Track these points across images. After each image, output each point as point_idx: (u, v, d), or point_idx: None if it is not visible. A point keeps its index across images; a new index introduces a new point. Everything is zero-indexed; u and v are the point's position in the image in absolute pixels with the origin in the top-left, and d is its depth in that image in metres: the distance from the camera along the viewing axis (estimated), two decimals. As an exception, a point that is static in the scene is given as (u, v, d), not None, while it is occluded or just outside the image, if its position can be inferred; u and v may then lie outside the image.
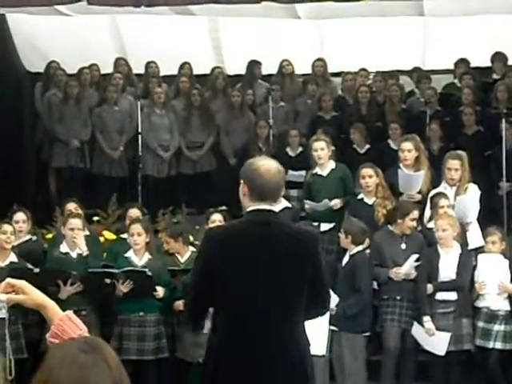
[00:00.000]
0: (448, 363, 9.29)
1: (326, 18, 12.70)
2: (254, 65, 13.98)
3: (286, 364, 5.17)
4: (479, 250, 9.61)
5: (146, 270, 9.23)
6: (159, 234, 10.50)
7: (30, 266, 9.56)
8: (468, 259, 9.43)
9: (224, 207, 10.85)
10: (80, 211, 10.17)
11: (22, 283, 3.27)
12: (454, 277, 9.31)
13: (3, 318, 3.23)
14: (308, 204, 10.39)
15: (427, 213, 9.84)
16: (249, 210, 5.29)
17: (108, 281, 9.33)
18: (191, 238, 9.99)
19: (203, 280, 5.27)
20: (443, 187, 9.98)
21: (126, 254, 9.57)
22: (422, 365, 9.53)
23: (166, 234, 10.02)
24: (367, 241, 9.53)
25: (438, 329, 9.22)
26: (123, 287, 9.18)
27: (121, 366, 2.74)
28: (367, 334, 9.45)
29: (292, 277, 5.20)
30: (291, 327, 5.19)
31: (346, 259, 9.46)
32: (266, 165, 5.30)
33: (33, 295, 3.24)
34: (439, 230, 9.28)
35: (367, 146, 12.39)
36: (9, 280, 3.28)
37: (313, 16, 12.69)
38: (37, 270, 9.43)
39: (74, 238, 9.50)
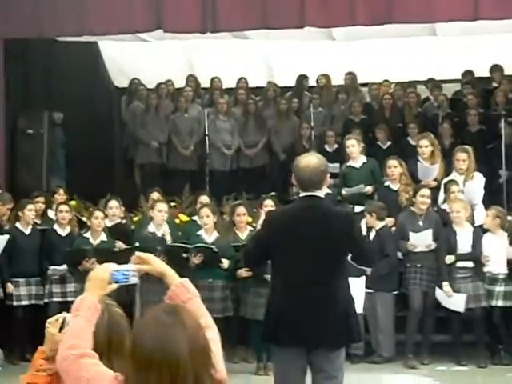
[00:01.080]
0: (465, 318, 9.36)
1: (356, 38, 12.64)
2: (302, 78, 13.99)
3: (333, 318, 5.26)
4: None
5: (213, 246, 9.31)
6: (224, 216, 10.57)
7: (118, 244, 9.73)
8: (479, 235, 9.46)
9: (274, 193, 10.93)
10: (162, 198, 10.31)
11: (149, 256, 3.28)
12: (469, 249, 9.40)
13: (135, 284, 3.30)
14: (346, 190, 10.44)
15: (441, 197, 9.89)
16: (300, 196, 5.47)
17: (184, 255, 9.46)
18: (249, 219, 10.00)
19: (262, 244, 5.56)
20: (454, 175, 10.01)
21: (198, 233, 9.64)
22: (441, 320, 9.56)
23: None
24: (389, 219, 9.67)
25: (458, 290, 9.30)
26: (195, 259, 9.27)
27: (197, 328, 2.77)
28: (396, 292, 9.55)
29: (333, 248, 5.37)
30: (335, 289, 5.33)
31: (372, 234, 9.54)
32: (305, 161, 5.50)
33: (156, 266, 3.27)
34: (454, 212, 9.37)
35: (389, 143, 12.36)
36: (138, 253, 3.33)
37: (345, 38, 12.64)
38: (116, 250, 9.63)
39: (158, 218, 9.63)
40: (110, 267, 3.18)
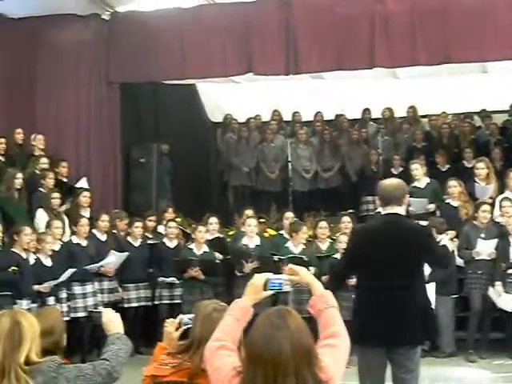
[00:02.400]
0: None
1: (417, 76, 12.47)
2: (365, 111, 13.86)
3: (413, 319, 5.18)
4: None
5: (303, 256, 9.21)
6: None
7: (217, 254, 9.72)
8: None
9: (350, 211, 10.80)
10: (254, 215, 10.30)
11: (299, 268, 3.29)
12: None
13: (288, 292, 3.30)
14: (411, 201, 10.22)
15: (496, 212, 9.61)
16: (382, 213, 5.42)
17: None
18: (329, 233, 9.89)
19: (348, 260, 5.51)
20: (507, 193, 9.75)
21: (286, 245, 9.59)
22: (496, 319, 9.32)
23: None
24: (452, 232, 9.44)
25: (508, 292, 9.04)
26: (287, 268, 9.16)
27: (301, 331, 2.72)
28: (455, 296, 9.36)
29: (412, 257, 5.28)
30: (414, 292, 5.25)
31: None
32: (387, 182, 5.48)
33: (304, 277, 3.25)
34: (510, 225, 9.13)
35: (448, 166, 12.09)
36: (290, 266, 3.32)
37: (408, 75, 12.50)
38: (218, 258, 9.62)
39: (252, 233, 9.61)
40: (267, 276, 3.17)
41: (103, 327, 3.86)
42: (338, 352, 2.95)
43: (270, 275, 3.22)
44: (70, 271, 8.89)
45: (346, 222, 9.58)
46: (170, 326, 4.15)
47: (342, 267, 5.75)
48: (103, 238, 9.85)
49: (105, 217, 9.87)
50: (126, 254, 9.68)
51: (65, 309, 9.09)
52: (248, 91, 13.76)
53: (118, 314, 3.97)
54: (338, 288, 5.32)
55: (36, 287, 8.51)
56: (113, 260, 9.54)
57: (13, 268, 8.10)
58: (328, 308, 3.09)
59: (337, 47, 10.55)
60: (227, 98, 14.20)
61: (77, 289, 9.32)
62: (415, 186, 10.32)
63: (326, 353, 2.87)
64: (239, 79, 12.59)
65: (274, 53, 10.73)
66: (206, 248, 9.75)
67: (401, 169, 12.24)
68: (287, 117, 14.02)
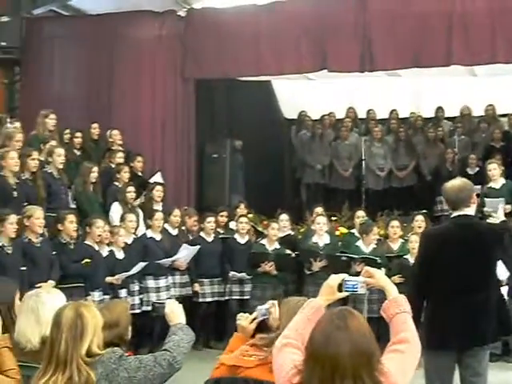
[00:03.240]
0: None
1: (496, 74, 12.18)
2: (439, 110, 13.60)
3: (485, 319, 5.12)
4: None
5: (374, 256, 9.11)
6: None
7: (288, 251, 9.70)
8: None
9: (424, 210, 10.63)
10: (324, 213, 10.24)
11: (376, 271, 3.24)
12: None
13: (364, 294, 3.26)
14: (487, 201, 9.97)
15: None
16: (452, 216, 5.33)
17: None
18: (401, 232, 9.75)
19: (423, 267, 5.27)
20: None
21: (357, 244, 9.50)
22: None
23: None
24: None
25: None
26: (358, 267, 9.10)
27: (362, 333, 2.67)
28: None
29: (486, 259, 5.18)
30: (488, 293, 5.17)
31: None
32: (450, 184, 5.35)
33: (379, 280, 3.20)
34: None
35: (526, 166, 11.80)
36: (366, 268, 3.29)
37: (486, 73, 12.22)
38: (293, 254, 9.59)
39: (321, 230, 9.56)
40: (343, 277, 3.15)
41: (166, 318, 3.90)
42: (405, 358, 2.89)
43: (345, 276, 3.18)
44: (142, 264, 9.00)
45: (420, 221, 9.38)
46: (244, 321, 4.16)
47: (421, 279, 5.31)
48: (175, 232, 9.95)
49: (177, 211, 9.97)
50: (198, 247, 9.75)
51: (136, 301, 9.23)
52: (323, 88, 13.68)
53: (181, 305, 3.99)
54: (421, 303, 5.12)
55: (108, 279, 8.65)
56: (185, 253, 9.63)
57: (86, 260, 8.25)
58: (400, 313, 3.03)
59: (413, 44, 10.40)
60: (302, 95, 14.16)
61: (150, 282, 9.44)
62: (491, 187, 10.09)
63: (393, 358, 2.83)
64: (314, 76, 12.54)
65: (349, 50, 10.66)
66: (277, 245, 9.75)
67: (477, 169, 11.99)
68: (362, 114, 13.88)
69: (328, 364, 2.59)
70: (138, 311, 9.00)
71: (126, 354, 3.68)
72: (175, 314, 3.86)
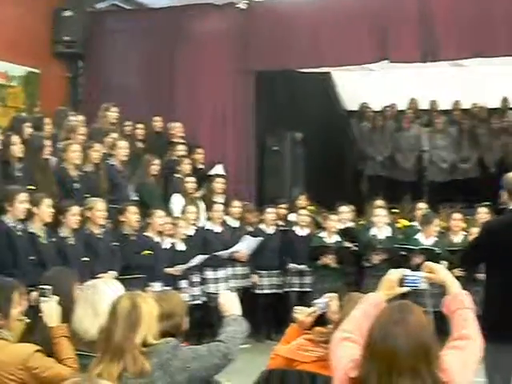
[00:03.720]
0: None
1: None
2: (505, 100, 13.32)
3: None
4: None
5: (435, 248, 9.00)
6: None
7: (347, 243, 9.63)
8: None
9: (488, 203, 10.42)
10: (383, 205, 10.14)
11: (436, 266, 3.21)
12: None
13: (426, 289, 3.23)
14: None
15: None
16: (510, 208, 5.20)
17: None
18: (463, 225, 9.59)
19: (479, 249, 5.37)
20: None
21: (416, 236, 9.39)
22: None
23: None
24: None
25: None
26: (418, 259, 9.01)
27: (421, 327, 2.63)
28: None
29: None
30: None
31: None
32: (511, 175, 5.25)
33: (440, 275, 3.16)
34: None
35: None
36: (428, 263, 3.26)
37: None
38: (353, 247, 9.51)
39: (380, 223, 9.47)
40: (403, 272, 3.12)
41: (220, 309, 3.91)
42: (465, 355, 2.83)
43: (406, 271, 3.15)
44: (201, 257, 9.06)
45: (483, 214, 9.19)
46: (300, 314, 4.15)
47: (471, 249, 5.67)
48: (236, 224, 9.98)
49: (237, 203, 10.01)
50: (260, 239, 9.77)
51: (197, 292, 9.31)
52: (384, 79, 13.52)
53: (236, 296, 4.00)
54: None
55: (168, 270, 8.73)
56: (245, 245, 9.65)
57: (146, 251, 8.34)
58: (462, 309, 2.99)
59: (476, 33, 10.21)
60: (363, 87, 14.00)
61: (209, 274, 9.50)
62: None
63: (453, 354, 2.78)
64: (375, 67, 12.40)
65: (411, 39, 10.53)
66: (337, 237, 9.69)
67: (543, 160, 11.73)
68: (424, 105, 13.69)
69: (386, 359, 2.57)
70: (198, 302, 9.06)
71: (182, 345, 3.71)
72: (229, 304, 3.86)
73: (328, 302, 4.10)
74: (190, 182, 10.00)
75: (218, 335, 3.67)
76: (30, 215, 6.99)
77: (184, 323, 4.08)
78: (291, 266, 9.93)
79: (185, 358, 3.46)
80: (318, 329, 4.01)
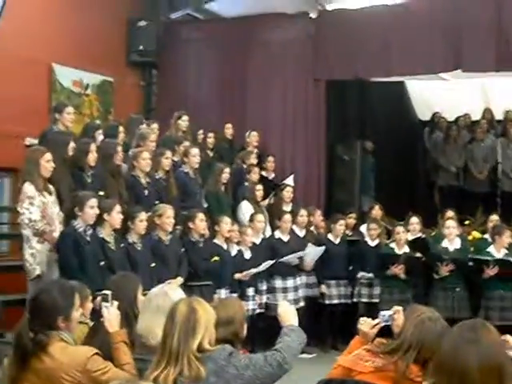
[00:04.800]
0: None
1: None
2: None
3: None
4: None
5: (510, 259, 8.82)
6: None
7: (418, 254, 9.49)
8: None
9: None
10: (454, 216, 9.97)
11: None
12: None
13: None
14: None
15: None
16: None
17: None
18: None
19: None
20: None
21: (488, 249, 9.20)
22: None
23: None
24: None
25: None
26: (491, 271, 8.82)
27: (494, 346, 2.59)
28: None
29: None
30: None
31: None
32: None
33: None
34: None
35: None
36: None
37: None
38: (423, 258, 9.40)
39: (451, 235, 9.30)
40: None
41: (278, 319, 3.90)
42: None
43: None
44: (269, 262, 9.05)
45: None
46: (365, 325, 4.12)
47: None
48: (302, 233, 9.95)
49: (303, 212, 9.98)
50: (323, 248, 9.72)
51: (264, 300, 9.30)
52: (458, 88, 13.30)
53: (294, 307, 3.99)
54: None
55: (236, 276, 8.75)
56: (309, 253, 9.61)
57: (214, 258, 8.38)
58: None
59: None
60: (436, 96, 13.83)
61: (277, 282, 9.49)
62: None
63: None
64: (448, 76, 12.21)
65: (485, 48, 10.30)
66: (406, 248, 9.56)
67: None
68: (498, 115, 13.41)
69: (456, 377, 2.54)
70: (263, 311, 9.06)
71: (241, 352, 3.71)
72: (288, 314, 3.86)
73: (393, 315, 4.05)
74: (259, 191, 10.01)
75: (275, 344, 3.67)
76: (99, 221, 7.09)
77: (243, 330, 4.08)
78: (360, 274, 9.85)
79: (240, 365, 3.46)
80: (378, 340, 3.96)
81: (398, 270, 9.27)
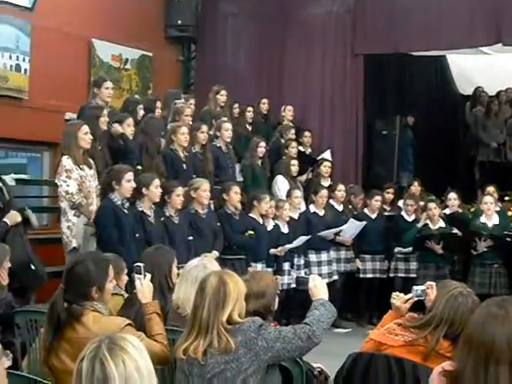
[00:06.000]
0: None
1: None
2: None
3: None
4: None
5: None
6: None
7: (455, 230, 9.41)
8: None
9: None
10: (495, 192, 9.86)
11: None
12: None
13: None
14: None
15: None
16: None
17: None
18: None
19: None
20: None
21: (526, 224, 9.11)
22: None
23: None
24: None
25: None
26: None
27: None
28: None
29: None
30: None
31: None
32: None
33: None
34: None
35: None
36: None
37: None
38: (459, 233, 9.31)
39: (489, 211, 9.21)
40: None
41: (309, 292, 3.93)
42: None
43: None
44: (303, 238, 9.06)
45: None
46: (397, 300, 4.13)
47: None
48: (340, 208, 9.94)
49: (341, 187, 9.95)
50: (364, 223, 9.70)
51: (300, 275, 9.31)
52: (499, 63, 13.10)
53: (325, 281, 4.01)
54: None
55: (272, 251, 8.78)
56: (350, 228, 9.60)
57: (249, 232, 8.41)
58: None
59: None
60: (478, 70, 13.65)
61: (312, 257, 9.51)
62: None
63: None
64: (490, 50, 12.03)
65: (526, 22, 10.16)
66: (442, 223, 9.49)
67: None
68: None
69: (483, 350, 2.55)
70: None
71: (272, 325, 3.74)
72: (318, 288, 3.88)
73: (426, 289, 4.06)
74: (295, 165, 10.00)
75: (305, 318, 3.70)
76: (138, 194, 7.17)
77: (274, 304, 4.11)
78: (397, 249, 9.81)
79: (270, 338, 3.49)
80: (410, 314, 3.98)
81: (434, 245, 9.22)
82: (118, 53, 11.32)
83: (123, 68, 11.46)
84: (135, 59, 11.65)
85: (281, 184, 9.83)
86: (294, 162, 10.01)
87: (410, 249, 9.67)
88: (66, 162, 7.06)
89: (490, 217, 9.24)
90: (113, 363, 2.12)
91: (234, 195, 8.30)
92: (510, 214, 10.10)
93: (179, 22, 12.17)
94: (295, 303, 8.66)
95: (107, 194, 6.91)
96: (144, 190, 7.19)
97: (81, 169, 7.15)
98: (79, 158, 7.14)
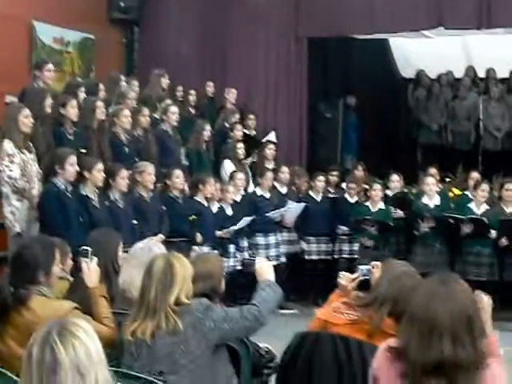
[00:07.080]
0: None
1: None
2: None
3: None
4: None
5: (484, 218, 8.90)
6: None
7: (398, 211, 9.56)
8: None
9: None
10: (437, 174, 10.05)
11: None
12: None
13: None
14: None
15: None
16: None
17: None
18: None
19: None
20: None
21: (469, 205, 9.29)
22: None
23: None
24: None
25: None
26: (467, 228, 8.93)
27: (464, 298, 2.70)
28: None
29: None
30: None
31: None
32: None
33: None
34: None
35: None
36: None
37: None
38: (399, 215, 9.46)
39: (430, 191, 9.38)
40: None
41: (255, 274, 3.97)
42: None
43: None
44: (248, 218, 9.10)
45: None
46: (344, 279, 4.19)
47: None
48: (283, 190, 10.01)
49: (285, 169, 10.02)
50: (303, 205, 9.78)
51: (246, 257, 9.35)
52: (441, 46, 13.30)
53: (271, 263, 4.06)
54: None
55: (218, 233, 8.81)
56: (289, 210, 9.67)
57: (192, 217, 8.42)
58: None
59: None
60: (419, 53, 13.82)
61: (259, 239, 9.56)
62: None
63: None
64: (431, 34, 12.20)
65: (467, 5, 10.34)
66: (381, 205, 9.63)
67: None
68: (481, 73, 13.43)
69: (426, 323, 2.65)
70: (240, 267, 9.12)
71: (218, 306, 3.78)
72: (264, 270, 3.93)
73: (371, 269, 4.13)
74: (241, 148, 10.03)
75: (252, 299, 3.74)
76: (81, 178, 7.11)
77: (221, 285, 4.15)
78: (340, 228, 9.92)
79: (217, 318, 3.53)
80: (354, 293, 4.04)
81: (369, 227, 9.36)
82: (60, 35, 11.14)
83: (65, 50, 11.29)
84: (77, 41, 11.48)
85: (228, 168, 9.84)
86: (240, 145, 10.04)
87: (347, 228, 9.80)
88: (8, 145, 6.95)
89: (431, 197, 9.42)
90: (63, 348, 2.12)
91: (176, 179, 8.30)
92: (450, 194, 10.31)
93: (122, 4, 12.03)
94: (241, 285, 8.70)
95: (50, 178, 6.84)
96: (86, 173, 7.13)
97: (22, 153, 7.06)
98: (20, 142, 7.05)
